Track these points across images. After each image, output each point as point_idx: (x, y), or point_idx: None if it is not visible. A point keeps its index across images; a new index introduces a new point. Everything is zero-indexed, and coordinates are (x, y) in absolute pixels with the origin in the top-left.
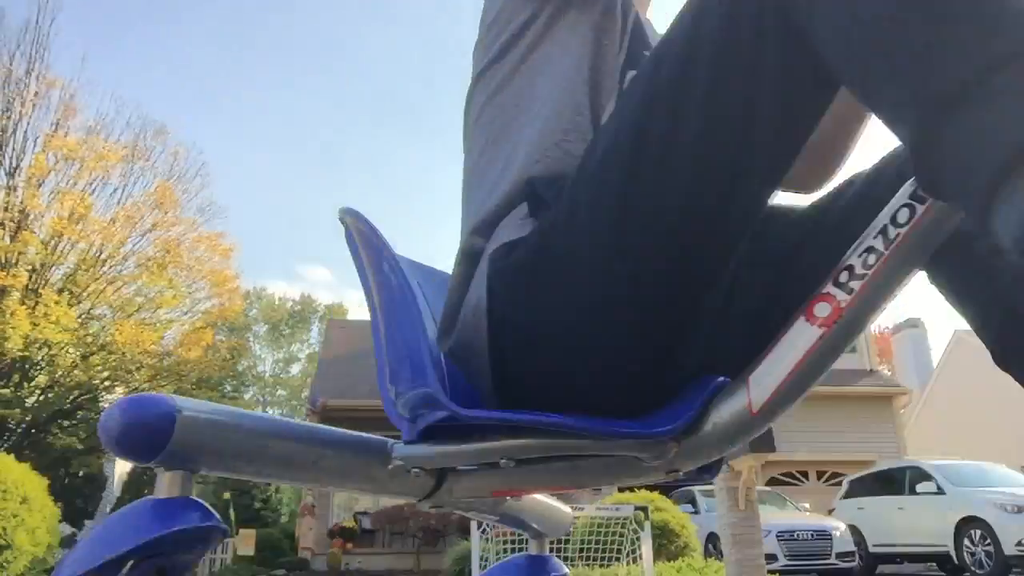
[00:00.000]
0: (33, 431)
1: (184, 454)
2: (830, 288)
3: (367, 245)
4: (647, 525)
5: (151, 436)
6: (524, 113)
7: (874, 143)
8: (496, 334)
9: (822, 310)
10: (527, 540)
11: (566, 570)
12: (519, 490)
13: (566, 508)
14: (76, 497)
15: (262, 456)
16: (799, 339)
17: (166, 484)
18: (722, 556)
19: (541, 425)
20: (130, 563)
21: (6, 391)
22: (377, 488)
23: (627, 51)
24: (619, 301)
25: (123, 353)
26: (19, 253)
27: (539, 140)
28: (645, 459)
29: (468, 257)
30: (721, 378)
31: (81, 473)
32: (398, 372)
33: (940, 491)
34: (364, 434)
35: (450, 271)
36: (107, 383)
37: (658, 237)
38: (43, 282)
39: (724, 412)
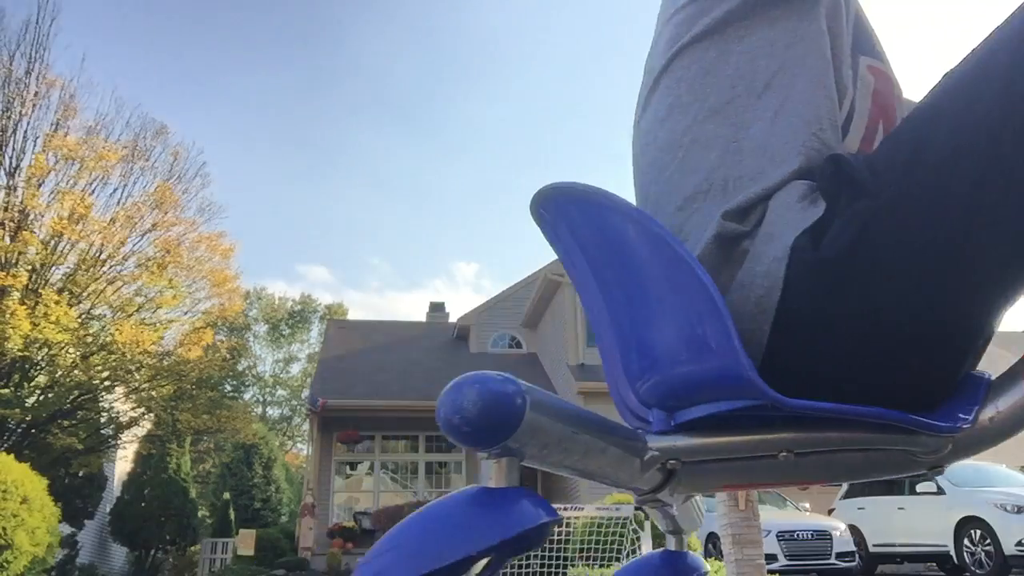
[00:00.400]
0: (33, 431)
1: (521, 440)
2: None
3: (592, 214)
4: (647, 525)
5: (506, 419)
6: (752, 93)
7: None
8: (783, 326)
9: None
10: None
11: (707, 567)
12: (756, 484)
13: (701, 505)
14: (76, 497)
15: (572, 445)
16: None
17: (496, 472)
18: (722, 556)
19: (871, 417)
20: (485, 561)
21: (6, 391)
22: (626, 481)
23: (851, 35)
24: (947, 299)
25: (123, 353)
26: (19, 253)
27: (796, 126)
28: (918, 453)
29: (724, 242)
30: (987, 373)
31: (81, 473)
32: (647, 353)
33: (940, 491)
34: (619, 422)
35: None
36: (107, 383)
37: (1007, 238)
38: (43, 282)
39: (1003, 406)
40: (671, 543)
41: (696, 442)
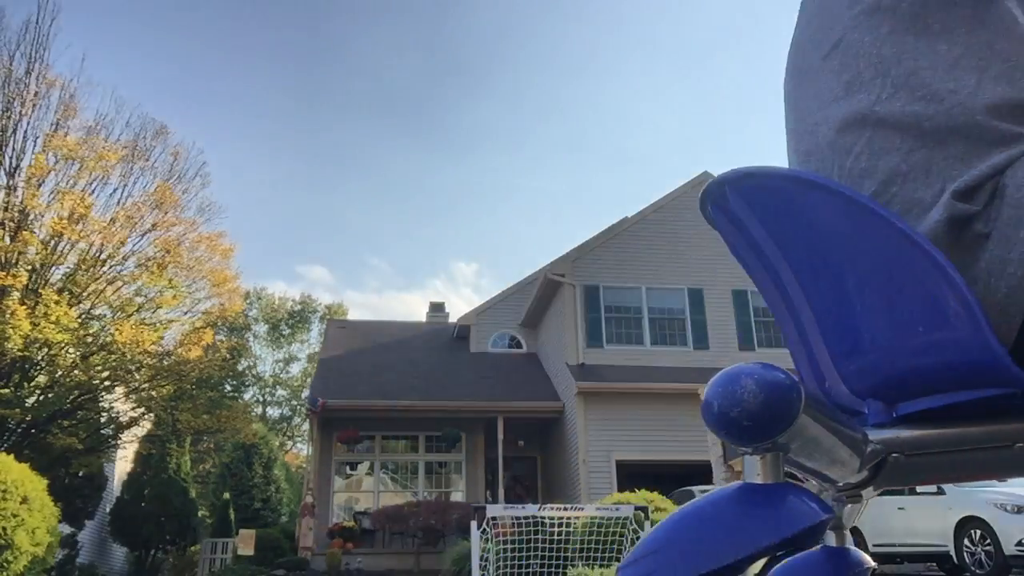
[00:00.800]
0: (33, 431)
1: (791, 434)
2: None
3: (791, 197)
4: (647, 525)
5: (785, 412)
6: (938, 67)
7: None
8: None
9: None
10: (526, 541)
11: (872, 563)
12: (973, 476)
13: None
14: (76, 497)
15: (820, 441)
16: None
17: (762, 468)
18: None
19: None
20: (763, 561)
21: (6, 391)
22: (842, 477)
23: None
24: None
25: (123, 353)
26: (19, 253)
27: (1002, 110)
28: None
29: (955, 224)
30: None
31: (81, 473)
32: (862, 342)
33: (940, 491)
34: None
35: None
36: (107, 383)
37: None
38: (43, 282)
39: None
40: (832, 539)
41: (924, 434)
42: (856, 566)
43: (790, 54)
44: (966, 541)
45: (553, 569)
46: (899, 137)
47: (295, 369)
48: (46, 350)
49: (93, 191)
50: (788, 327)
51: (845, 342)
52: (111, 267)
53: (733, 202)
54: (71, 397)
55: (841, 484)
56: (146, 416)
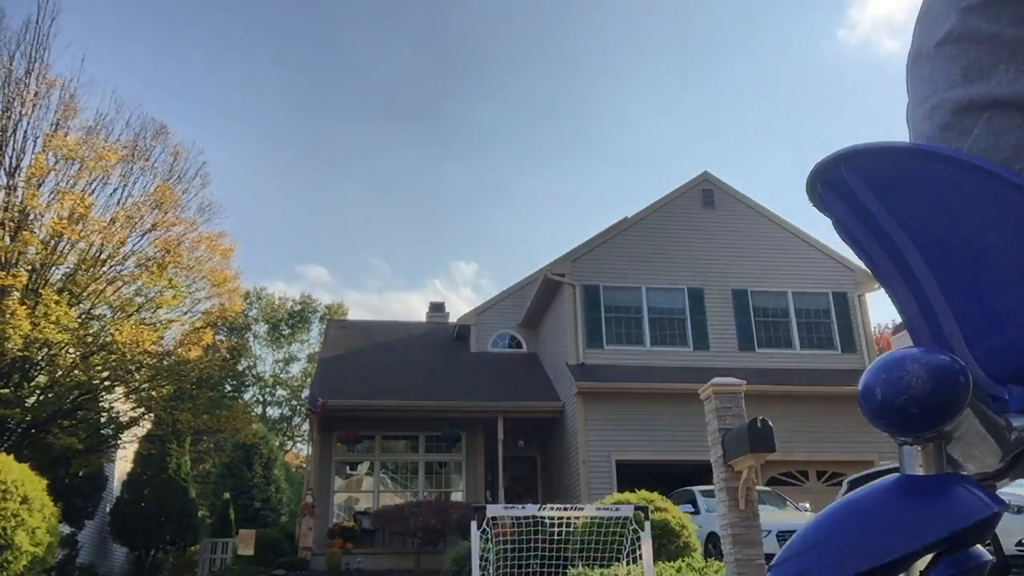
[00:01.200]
0: (33, 431)
1: (956, 422)
2: None
3: (918, 172)
4: (647, 525)
5: (954, 398)
6: None
7: None
8: None
9: None
10: (526, 541)
11: (990, 556)
12: None
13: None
14: (76, 497)
15: (974, 429)
16: None
17: (924, 458)
18: (722, 556)
19: None
20: (930, 556)
21: (6, 391)
22: (982, 467)
23: None
24: None
25: (123, 353)
26: (19, 253)
27: None
28: None
29: None
30: None
31: (81, 473)
32: (1003, 321)
33: None
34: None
35: None
36: (107, 383)
37: None
38: (43, 282)
39: None
40: None
41: None
42: (976, 559)
43: (915, 31)
44: None
45: (553, 569)
46: (1021, 116)
47: (295, 369)
48: (46, 350)
49: (93, 191)
50: (910, 308)
51: (982, 322)
52: (111, 267)
53: (849, 180)
54: (71, 397)
55: (974, 475)
56: (146, 416)
